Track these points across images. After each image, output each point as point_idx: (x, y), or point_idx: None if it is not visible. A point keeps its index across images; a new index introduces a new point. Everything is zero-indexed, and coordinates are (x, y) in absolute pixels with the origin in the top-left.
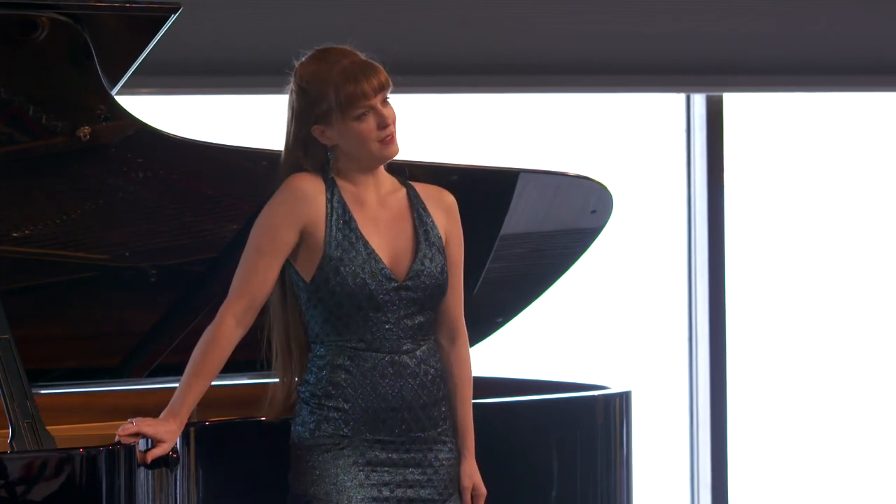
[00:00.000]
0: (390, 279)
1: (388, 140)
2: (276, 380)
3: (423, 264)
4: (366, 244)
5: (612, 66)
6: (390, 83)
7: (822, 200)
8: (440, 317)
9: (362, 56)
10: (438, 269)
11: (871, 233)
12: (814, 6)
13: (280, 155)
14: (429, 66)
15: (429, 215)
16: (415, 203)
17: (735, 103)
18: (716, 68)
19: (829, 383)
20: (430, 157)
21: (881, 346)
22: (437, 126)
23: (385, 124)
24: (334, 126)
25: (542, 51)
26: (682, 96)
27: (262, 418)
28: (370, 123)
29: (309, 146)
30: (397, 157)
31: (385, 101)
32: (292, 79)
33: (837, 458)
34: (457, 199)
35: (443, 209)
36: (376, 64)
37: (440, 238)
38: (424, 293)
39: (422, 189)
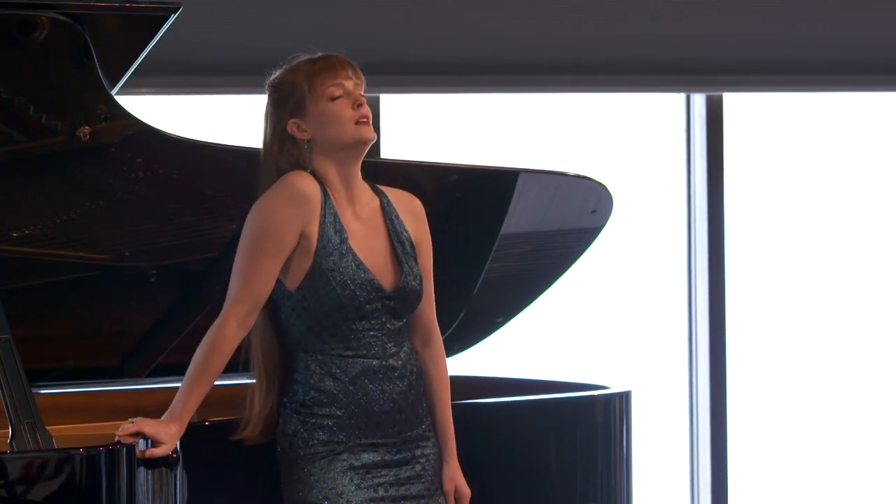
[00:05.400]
0: (378, 289)
1: (362, 120)
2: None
3: (407, 278)
4: (354, 255)
5: (612, 66)
6: (363, 80)
7: (822, 200)
8: (414, 321)
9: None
10: (418, 281)
11: (871, 233)
12: (814, 6)
13: None
14: (429, 66)
15: (401, 223)
16: (388, 212)
17: (735, 103)
18: (716, 68)
19: (828, 383)
20: (430, 157)
21: (881, 345)
22: (437, 126)
23: (360, 103)
24: (309, 114)
25: (542, 51)
26: (682, 96)
27: (240, 438)
28: (344, 103)
29: (284, 143)
30: (396, 158)
31: (360, 94)
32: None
33: (837, 457)
34: (457, 199)
35: (412, 215)
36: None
37: (413, 246)
38: (405, 304)
39: (392, 195)
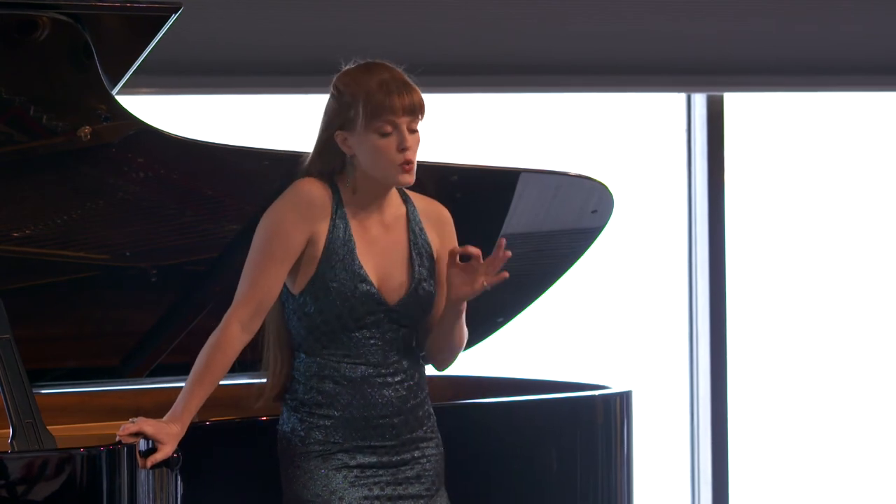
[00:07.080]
0: (380, 303)
1: (405, 166)
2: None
3: (416, 292)
4: (360, 267)
5: (613, 66)
6: (424, 111)
7: (823, 200)
8: (429, 327)
9: (407, 77)
10: (429, 294)
11: (872, 232)
12: (814, 6)
13: (282, 154)
14: (429, 67)
15: (424, 233)
16: (412, 223)
17: (735, 103)
18: (716, 68)
19: (829, 382)
20: (430, 157)
21: (881, 345)
22: (438, 126)
23: (405, 147)
24: (356, 135)
25: (541, 51)
26: (682, 96)
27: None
28: (391, 142)
29: (326, 150)
30: None
31: (413, 130)
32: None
33: (838, 457)
34: (457, 199)
35: (438, 226)
36: (416, 87)
37: (432, 257)
38: (409, 315)
39: (419, 203)
